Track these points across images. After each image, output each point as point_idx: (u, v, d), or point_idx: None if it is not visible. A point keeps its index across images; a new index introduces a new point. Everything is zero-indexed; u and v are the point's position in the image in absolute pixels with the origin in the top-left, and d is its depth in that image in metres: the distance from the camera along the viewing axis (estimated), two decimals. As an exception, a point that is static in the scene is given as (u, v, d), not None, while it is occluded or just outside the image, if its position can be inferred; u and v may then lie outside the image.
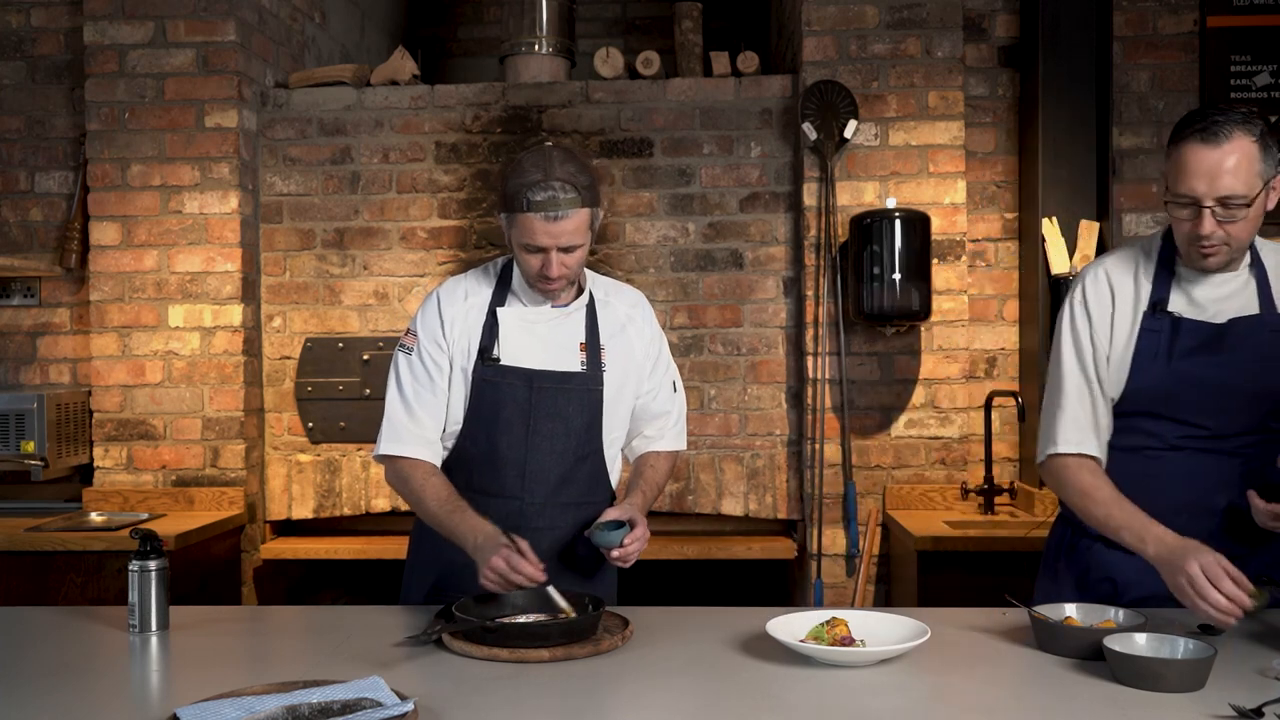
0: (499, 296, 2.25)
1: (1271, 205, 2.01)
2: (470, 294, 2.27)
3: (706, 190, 3.82)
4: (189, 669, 1.83)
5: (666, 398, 2.39)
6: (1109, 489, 2.07)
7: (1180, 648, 1.71)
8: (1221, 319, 2.06)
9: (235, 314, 3.78)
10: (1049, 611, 1.90)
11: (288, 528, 3.98)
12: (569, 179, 2.08)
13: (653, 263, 3.83)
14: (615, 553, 2.10)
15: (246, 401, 3.81)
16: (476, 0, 5.28)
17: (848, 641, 1.83)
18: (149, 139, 3.81)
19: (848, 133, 3.64)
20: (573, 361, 2.24)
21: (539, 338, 2.23)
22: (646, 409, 2.36)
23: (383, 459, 2.25)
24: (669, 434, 2.40)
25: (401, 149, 3.89)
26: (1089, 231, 3.65)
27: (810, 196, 3.70)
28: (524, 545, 2.02)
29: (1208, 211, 1.94)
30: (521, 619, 1.98)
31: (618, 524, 2.10)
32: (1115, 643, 1.71)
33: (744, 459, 3.81)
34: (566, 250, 2.12)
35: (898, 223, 3.54)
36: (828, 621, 1.88)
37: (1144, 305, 2.10)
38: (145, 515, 3.67)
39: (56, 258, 3.99)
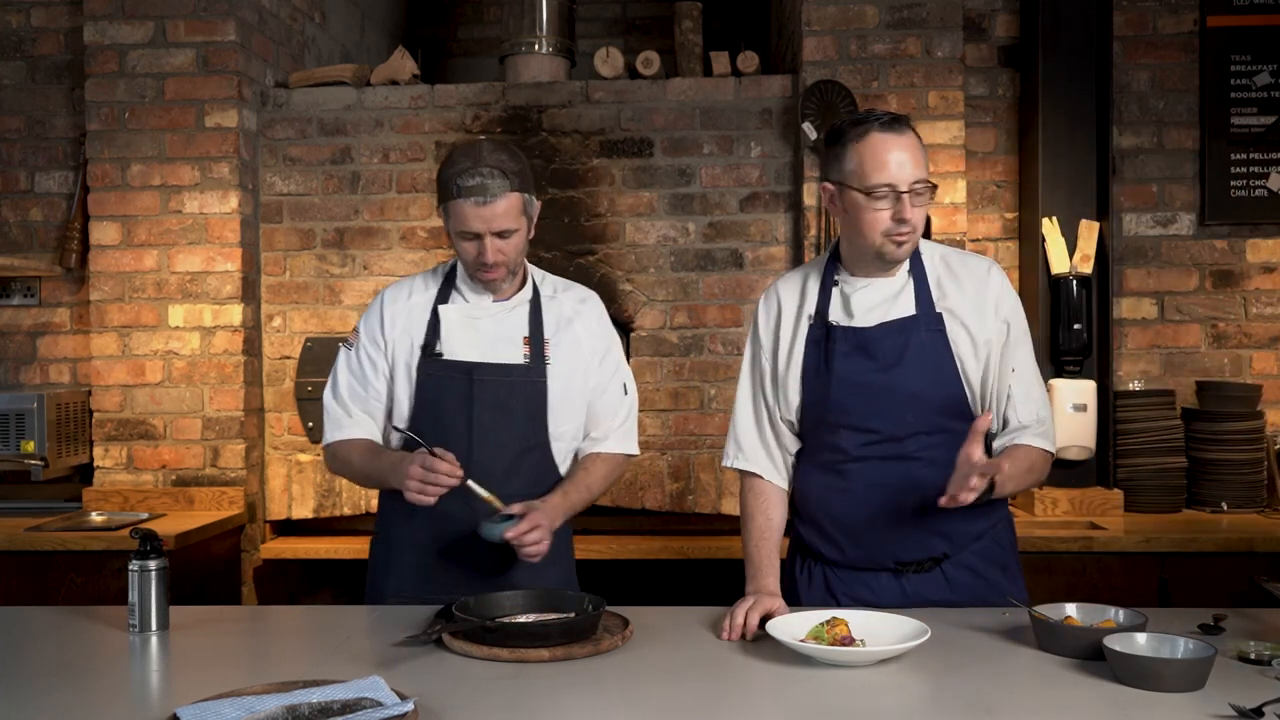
0: (443, 294, 2.31)
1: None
2: (415, 293, 2.33)
3: (706, 190, 3.82)
4: (189, 669, 1.83)
5: (615, 397, 2.38)
6: (758, 520, 2.22)
7: (1180, 648, 1.71)
8: (873, 323, 2.12)
9: (235, 314, 3.78)
10: (1049, 611, 1.90)
11: (288, 527, 3.98)
12: (498, 165, 2.16)
13: (653, 263, 3.83)
14: (524, 550, 2.13)
15: (246, 401, 3.81)
16: (476, 0, 5.28)
17: (848, 641, 1.83)
18: (149, 139, 3.81)
19: (848, 133, 3.63)
20: (515, 354, 2.26)
21: (481, 332, 2.27)
22: (593, 407, 2.36)
23: (327, 448, 2.33)
24: (614, 435, 2.38)
25: (401, 149, 3.89)
26: (1089, 231, 3.65)
27: (810, 196, 3.70)
28: (441, 451, 2.07)
29: (905, 197, 2.02)
30: (521, 619, 1.99)
31: (506, 517, 2.11)
32: (1115, 643, 1.71)
33: (744, 459, 3.81)
34: (501, 235, 2.18)
35: (898, 223, 3.54)
36: (828, 621, 1.88)
37: (807, 318, 2.18)
38: (145, 515, 3.67)
39: (56, 258, 3.99)
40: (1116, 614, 1.90)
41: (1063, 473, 3.57)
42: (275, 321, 3.93)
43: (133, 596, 2.01)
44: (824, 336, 2.15)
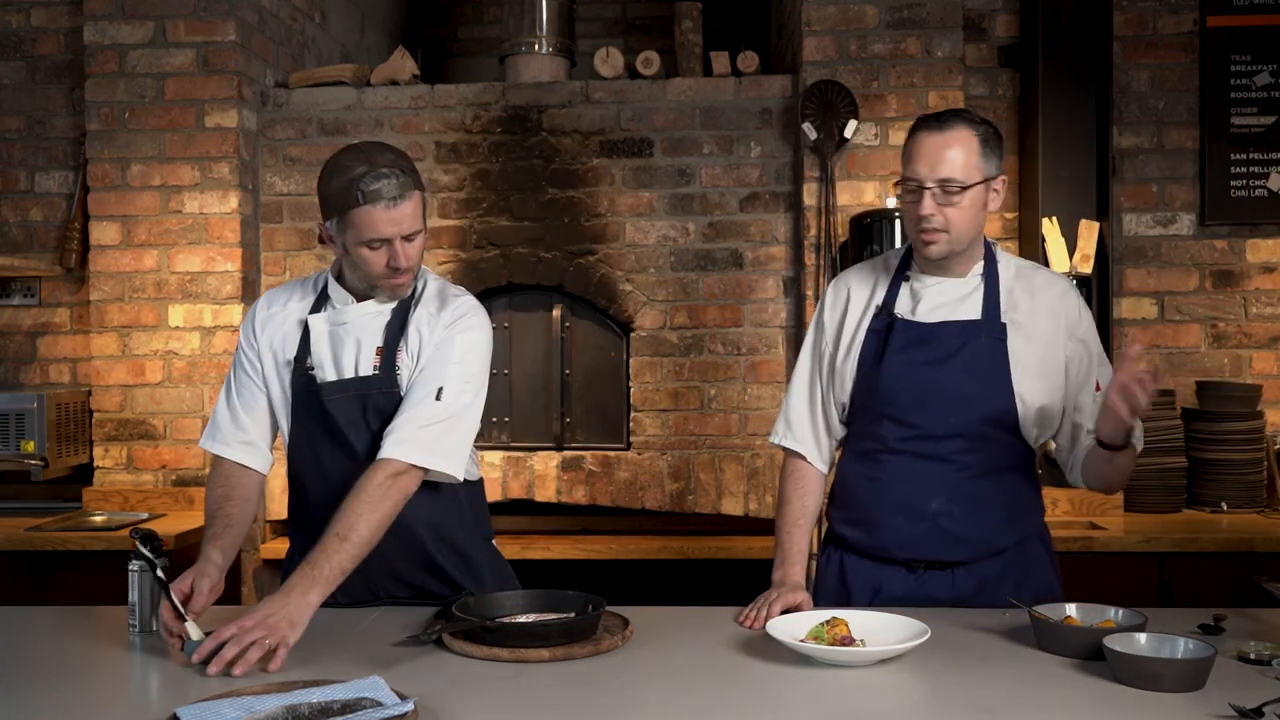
0: (318, 305, 2.18)
1: (994, 207, 2.11)
2: (293, 299, 2.21)
3: (706, 190, 3.82)
4: (189, 669, 1.83)
5: (421, 396, 2.07)
6: (794, 505, 2.25)
7: (1180, 648, 1.71)
8: (935, 320, 2.14)
9: (235, 314, 3.78)
10: (1049, 611, 1.90)
11: (285, 528, 3.98)
12: (395, 164, 2.03)
13: (653, 263, 3.83)
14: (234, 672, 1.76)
15: (246, 401, 3.80)
16: (476, 0, 5.28)
17: (848, 641, 1.83)
18: (149, 139, 3.81)
19: (848, 133, 3.64)
20: (366, 366, 2.12)
21: (341, 343, 2.13)
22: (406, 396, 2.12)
23: (210, 455, 2.24)
24: (408, 438, 2.02)
25: (401, 149, 3.87)
26: (1089, 231, 3.65)
27: (810, 196, 3.70)
28: (189, 588, 1.92)
29: (927, 192, 2.03)
30: (521, 619, 1.98)
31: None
32: (1115, 643, 1.71)
33: (744, 459, 3.81)
34: (408, 238, 2.04)
35: (898, 223, 3.54)
36: (828, 621, 1.88)
37: (874, 309, 2.20)
38: (145, 515, 3.67)
39: (56, 258, 3.99)
40: (1116, 614, 1.90)
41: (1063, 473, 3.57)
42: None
43: (133, 596, 2.01)
44: (886, 327, 2.17)
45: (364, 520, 1.95)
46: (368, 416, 2.11)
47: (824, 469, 2.30)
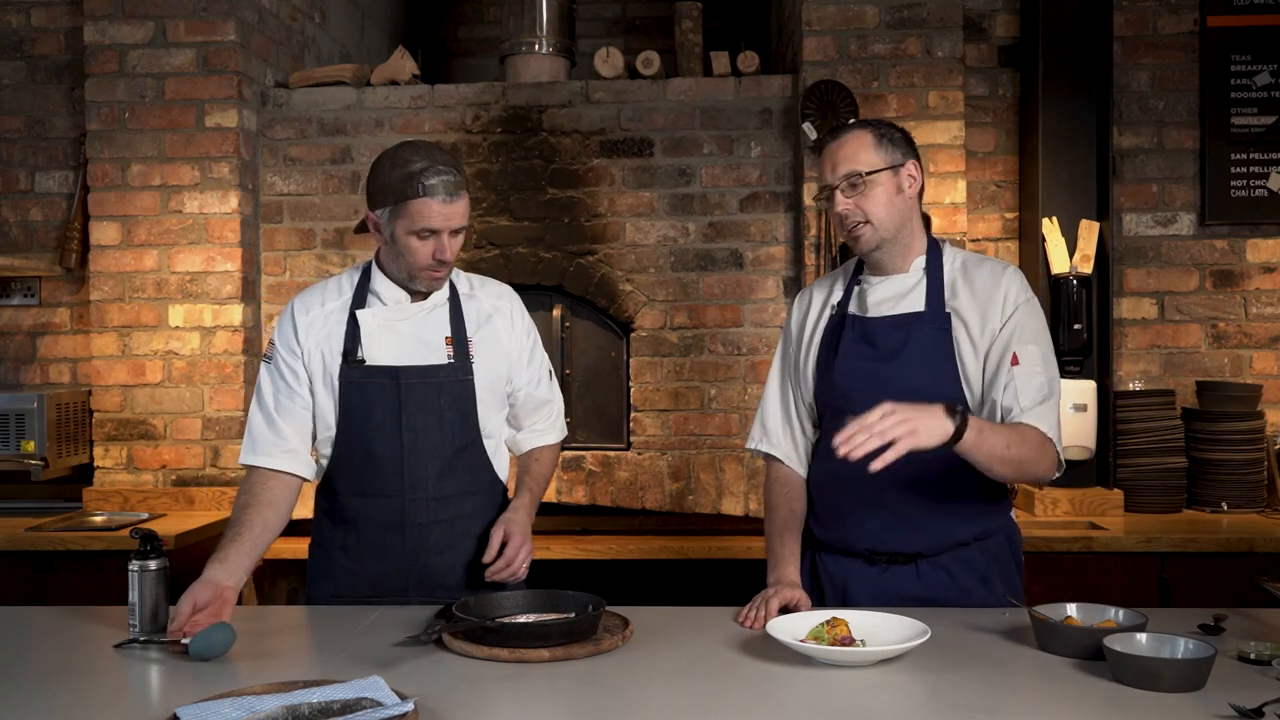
0: (358, 299, 2.27)
1: (912, 192, 2.18)
2: (328, 299, 2.29)
3: (706, 190, 3.82)
4: (189, 669, 1.83)
5: (545, 389, 2.43)
6: (781, 511, 2.29)
7: (1180, 648, 1.71)
8: (881, 315, 2.19)
9: (235, 314, 3.79)
10: (1049, 611, 1.90)
11: (287, 527, 3.96)
12: (451, 165, 2.15)
13: (653, 263, 3.83)
14: (501, 566, 2.17)
15: (246, 401, 3.80)
16: (476, 0, 5.28)
17: (848, 641, 1.83)
18: (149, 139, 3.81)
19: (848, 133, 3.63)
20: (439, 355, 2.25)
21: (402, 335, 2.25)
22: (530, 398, 2.40)
23: (246, 468, 2.27)
24: (553, 428, 2.47)
25: (401, 149, 3.88)
26: (1089, 231, 3.65)
27: (810, 196, 3.70)
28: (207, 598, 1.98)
29: (838, 192, 2.14)
30: (522, 619, 1.99)
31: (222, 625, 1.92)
32: (1115, 643, 1.71)
33: (744, 459, 3.81)
34: (455, 233, 2.17)
35: (898, 223, 3.54)
36: (828, 621, 1.88)
37: (830, 311, 2.28)
38: (145, 515, 3.67)
39: (56, 258, 3.99)
40: (1116, 614, 1.90)
41: (1063, 473, 3.57)
42: (275, 321, 3.93)
43: (133, 596, 2.00)
44: (838, 325, 2.24)
45: (549, 477, 2.44)
46: (442, 401, 2.23)
47: (803, 472, 2.33)
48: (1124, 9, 3.86)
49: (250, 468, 2.25)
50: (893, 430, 1.84)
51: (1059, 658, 1.81)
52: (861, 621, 1.90)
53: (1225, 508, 3.60)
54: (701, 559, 3.76)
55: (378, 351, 2.23)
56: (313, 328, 2.26)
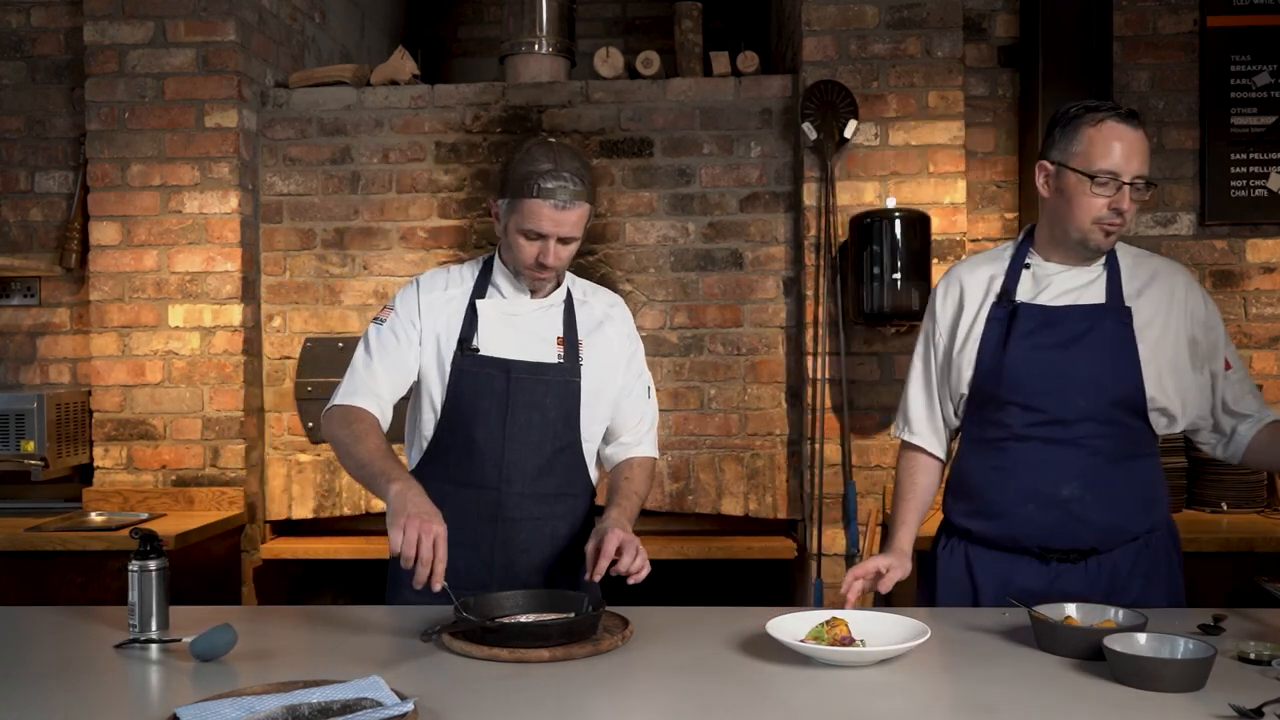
0: (479, 289, 2.29)
1: None
2: (450, 285, 2.31)
3: (706, 190, 3.82)
4: (189, 669, 1.83)
5: (641, 401, 2.41)
6: (907, 484, 2.33)
7: (1180, 648, 1.71)
8: (1062, 304, 2.15)
9: (235, 314, 3.79)
10: (1049, 611, 1.90)
11: (287, 528, 3.98)
12: (577, 173, 2.15)
13: (653, 263, 3.83)
14: (634, 576, 2.09)
15: (246, 401, 3.81)
16: (476, 0, 5.28)
17: (848, 641, 1.83)
18: (149, 139, 3.81)
19: (848, 133, 3.64)
20: (549, 353, 2.27)
21: (517, 329, 2.27)
22: (623, 410, 2.38)
23: (330, 410, 2.22)
24: (646, 440, 2.42)
25: (401, 149, 3.89)
26: (1089, 231, 3.64)
27: (810, 196, 3.70)
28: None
29: (1129, 188, 2.04)
30: (522, 619, 1.99)
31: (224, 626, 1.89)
32: (1115, 643, 1.71)
33: (744, 459, 3.81)
34: (564, 241, 2.18)
35: (898, 223, 3.54)
36: (828, 621, 1.88)
37: (992, 298, 2.21)
38: (145, 515, 3.67)
39: (56, 258, 3.99)
40: (1116, 614, 1.90)
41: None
42: (275, 321, 3.93)
43: (133, 596, 2.01)
44: (1008, 315, 2.17)
45: (645, 492, 2.34)
46: (548, 399, 2.25)
47: (944, 458, 2.34)
48: (1124, 9, 3.86)
49: (338, 406, 2.20)
50: None
51: (1059, 658, 1.81)
52: (861, 622, 1.90)
53: (1225, 508, 3.60)
54: (701, 559, 3.76)
55: (492, 343, 2.24)
56: (434, 308, 2.27)
